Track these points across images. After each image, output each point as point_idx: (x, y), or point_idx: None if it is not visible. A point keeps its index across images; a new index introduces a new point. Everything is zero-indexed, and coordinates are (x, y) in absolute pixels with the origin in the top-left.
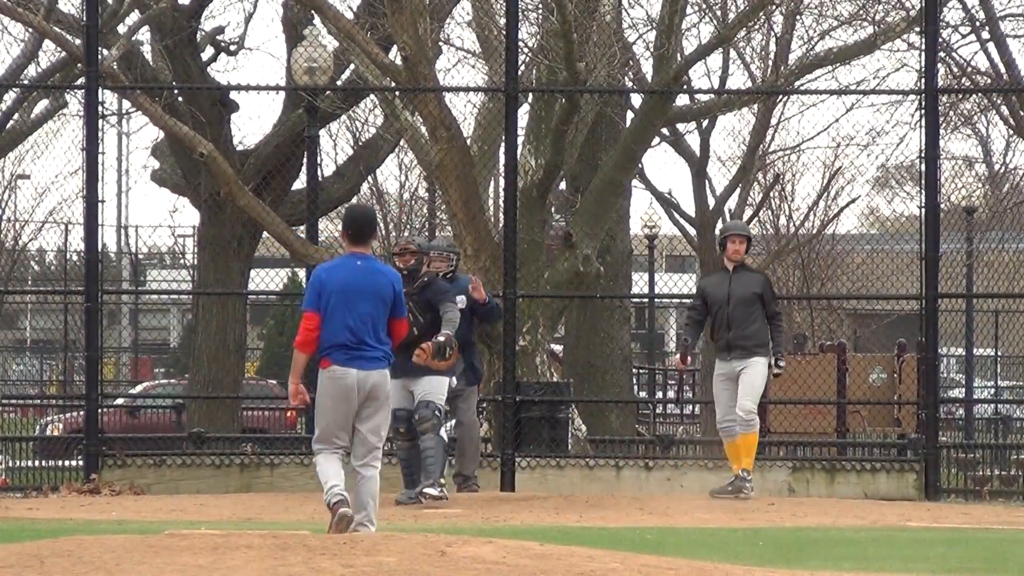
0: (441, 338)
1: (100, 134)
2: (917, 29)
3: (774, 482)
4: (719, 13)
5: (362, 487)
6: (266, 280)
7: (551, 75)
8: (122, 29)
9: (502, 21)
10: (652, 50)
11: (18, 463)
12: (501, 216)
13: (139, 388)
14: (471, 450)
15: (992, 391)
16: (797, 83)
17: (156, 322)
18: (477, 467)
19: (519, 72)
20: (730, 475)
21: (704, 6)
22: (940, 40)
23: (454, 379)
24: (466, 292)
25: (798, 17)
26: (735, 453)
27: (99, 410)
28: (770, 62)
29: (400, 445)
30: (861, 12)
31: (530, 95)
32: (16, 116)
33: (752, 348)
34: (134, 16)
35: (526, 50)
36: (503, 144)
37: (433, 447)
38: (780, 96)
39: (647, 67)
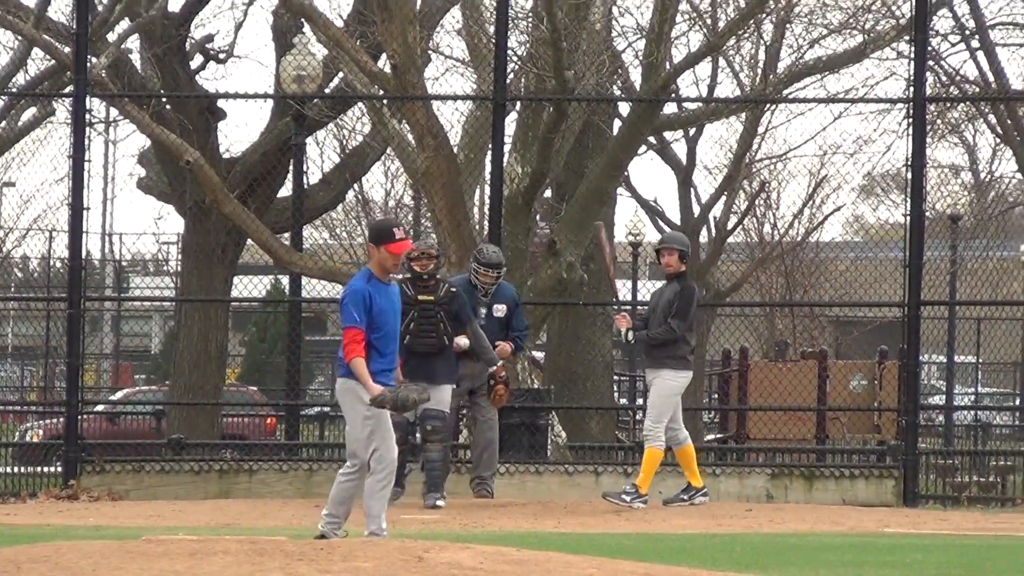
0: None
1: (87, 142)
2: (907, 38)
3: (752, 488)
4: (709, 21)
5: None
6: (248, 287)
7: (539, 83)
8: (111, 37)
9: (491, 29)
10: (641, 58)
11: None
12: (486, 224)
13: (120, 395)
14: (490, 451)
15: (972, 398)
16: (785, 91)
17: (138, 328)
18: (495, 468)
19: (507, 80)
20: (682, 481)
21: (694, 15)
22: (929, 49)
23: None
24: (509, 302)
25: (788, 25)
26: (684, 460)
27: (79, 416)
28: (759, 70)
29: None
30: (851, 21)
31: (518, 103)
32: (3, 123)
33: (660, 359)
34: (124, 24)
35: (515, 58)
36: (490, 152)
37: (440, 459)
38: (768, 104)
39: (635, 75)
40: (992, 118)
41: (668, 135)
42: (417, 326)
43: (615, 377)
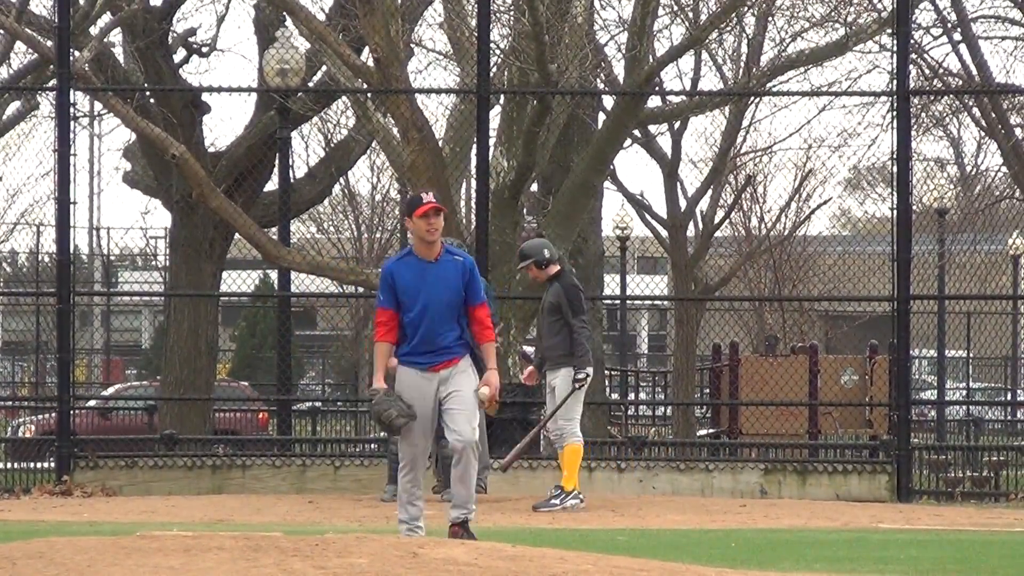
0: None
1: (72, 136)
2: (889, 31)
3: (746, 484)
4: (691, 15)
5: None
6: (238, 282)
7: (523, 77)
8: (94, 31)
9: (474, 23)
10: (624, 52)
11: None
12: (473, 218)
13: (111, 390)
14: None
15: (964, 392)
16: (769, 85)
17: (128, 324)
18: (488, 463)
19: (491, 74)
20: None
21: (676, 8)
22: (912, 42)
23: None
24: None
25: (770, 19)
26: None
27: (71, 412)
28: (742, 64)
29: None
30: (833, 14)
31: (502, 96)
32: None
33: (557, 359)
34: (106, 18)
35: (498, 52)
36: (475, 145)
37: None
38: (752, 98)
39: (619, 69)
40: (976, 111)
41: (653, 128)
42: None
43: (606, 372)
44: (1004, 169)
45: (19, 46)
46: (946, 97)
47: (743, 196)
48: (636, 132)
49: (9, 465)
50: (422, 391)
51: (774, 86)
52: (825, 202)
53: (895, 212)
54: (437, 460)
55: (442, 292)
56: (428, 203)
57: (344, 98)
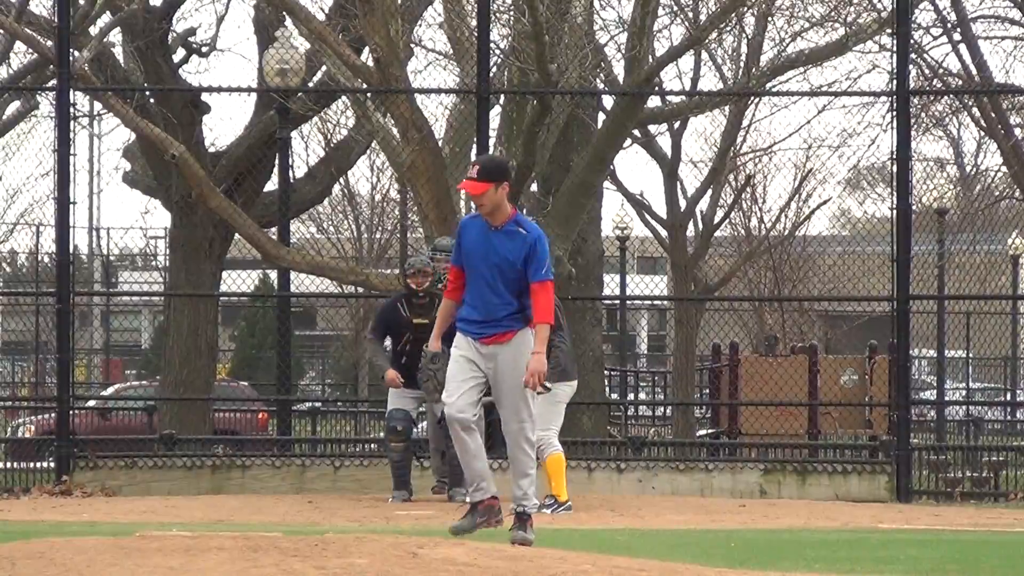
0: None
1: (72, 136)
2: (889, 31)
3: (746, 483)
4: (691, 15)
5: None
6: (237, 282)
7: (523, 77)
8: (94, 31)
9: (474, 23)
10: (624, 52)
11: None
12: None
13: (111, 390)
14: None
15: (963, 393)
16: (769, 85)
17: (128, 324)
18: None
19: (491, 74)
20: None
21: (676, 8)
22: (912, 42)
23: None
24: None
25: (769, 19)
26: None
27: (71, 412)
28: (741, 64)
29: (395, 447)
30: (832, 14)
31: (502, 96)
32: None
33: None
34: (106, 18)
35: (498, 52)
36: (475, 146)
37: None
38: (751, 98)
39: (619, 69)
40: (976, 111)
41: (653, 128)
42: (413, 348)
43: (606, 372)
44: (1004, 169)
45: (19, 46)
46: (946, 97)
47: (743, 196)
48: (636, 132)
49: (9, 465)
50: (473, 358)
51: (774, 86)
52: (825, 202)
53: (895, 212)
54: (442, 457)
55: (496, 262)
56: (464, 182)
57: (344, 98)
